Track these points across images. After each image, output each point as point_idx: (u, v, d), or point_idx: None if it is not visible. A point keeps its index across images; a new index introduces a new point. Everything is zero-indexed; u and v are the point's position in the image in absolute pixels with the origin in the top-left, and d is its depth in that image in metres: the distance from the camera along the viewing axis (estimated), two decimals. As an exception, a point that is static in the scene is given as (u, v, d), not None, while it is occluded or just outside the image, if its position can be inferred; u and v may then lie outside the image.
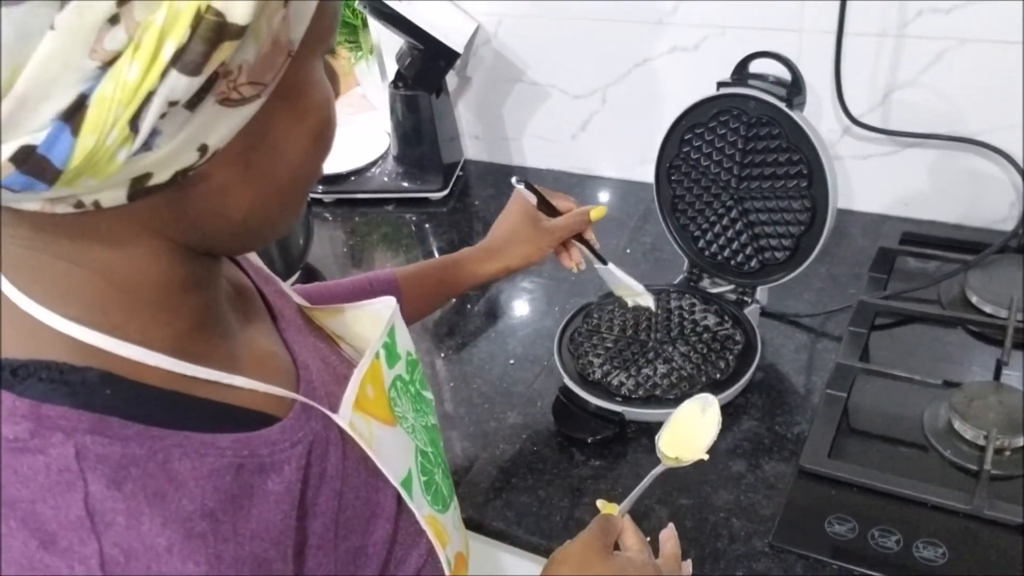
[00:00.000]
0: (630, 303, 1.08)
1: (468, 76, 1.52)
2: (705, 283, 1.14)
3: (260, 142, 0.43)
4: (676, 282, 1.15)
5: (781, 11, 1.18)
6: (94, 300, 0.44)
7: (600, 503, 0.76)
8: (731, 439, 0.96)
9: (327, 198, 1.52)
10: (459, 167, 1.56)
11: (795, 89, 0.97)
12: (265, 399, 0.51)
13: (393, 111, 1.48)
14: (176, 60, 0.35)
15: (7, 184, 0.36)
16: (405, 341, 0.67)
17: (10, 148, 0.35)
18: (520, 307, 1.23)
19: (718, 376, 0.99)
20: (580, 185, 1.48)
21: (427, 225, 1.47)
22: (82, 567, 0.39)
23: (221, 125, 0.40)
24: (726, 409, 0.99)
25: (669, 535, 0.77)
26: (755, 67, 1.02)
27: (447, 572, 0.60)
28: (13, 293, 0.44)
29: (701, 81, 1.06)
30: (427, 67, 1.40)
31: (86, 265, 0.44)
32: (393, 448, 0.59)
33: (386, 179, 1.52)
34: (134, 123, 0.36)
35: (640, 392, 0.99)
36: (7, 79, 0.34)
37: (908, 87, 1.16)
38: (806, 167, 0.98)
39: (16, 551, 0.39)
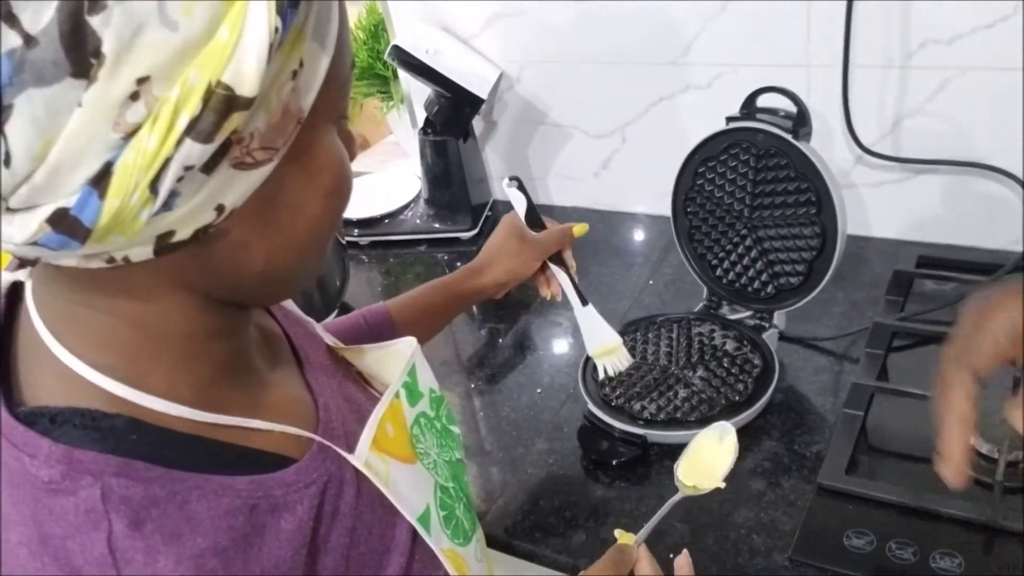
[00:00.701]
0: (601, 366, 1.02)
1: (494, 120, 1.59)
2: (724, 310, 1.18)
3: (275, 201, 0.46)
4: (696, 310, 1.19)
5: (789, 48, 1.23)
6: (124, 350, 0.48)
7: (617, 532, 0.77)
8: (751, 459, 0.99)
9: (362, 241, 1.59)
10: (487, 207, 1.62)
11: (801, 120, 1.02)
12: (283, 441, 0.54)
13: (423, 156, 1.54)
14: (190, 130, 0.39)
15: (44, 243, 0.40)
16: (427, 379, 0.70)
17: (46, 211, 0.39)
18: (547, 340, 1.28)
19: (737, 399, 1.02)
20: (604, 220, 1.53)
21: (458, 263, 1.53)
22: None
23: (236, 187, 0.43)
24: (746, 430, 1.02)
25: (684, 563, 0.78)
26: (762, 101, 1.06)
27: None
28: (53, 344, 0.48)
29: (715, 117, 1.11)
30: (454, 113, 1.47)
31: (118, 316, 0.48)
32: (410, 485, 0.61)
33: (418, 221, 1.59)
34: (154, 186, 0.40)
35: (662, 416, 1.02)
36: (40, 151, 0.38)
37: (916, 115, 1.19)
38: (814, 194, 1.02)
39: None
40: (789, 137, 1.02)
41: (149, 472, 0.46)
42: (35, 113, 0.37)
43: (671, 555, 0.89)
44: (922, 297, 1.19)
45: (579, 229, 1.01)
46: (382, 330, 0.91)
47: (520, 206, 0.99)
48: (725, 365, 1.07)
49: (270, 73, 0.40)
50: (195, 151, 0.39)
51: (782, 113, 1.05)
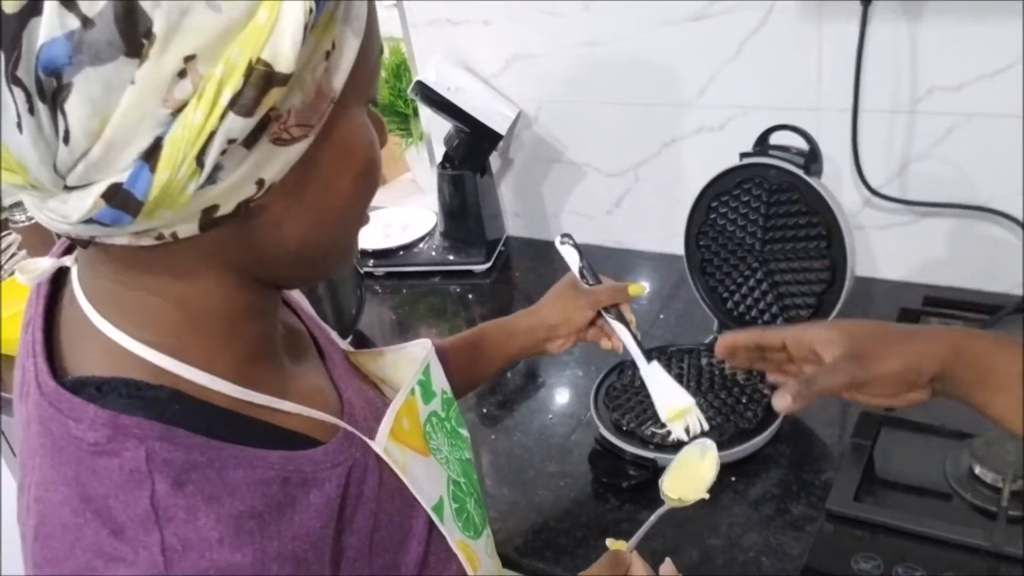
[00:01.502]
0: (678, 429, 0.94)
1: (510, 158, 1.63)
2: (734, 342, 1.20)
3: (311, 178, 0.49)
4: (707, 341, 1.22)
5: (800, 92, 1.27)
6: (168, 327, 0.51)
7: (609, 541, 0.80)
8: (760, 485, 1.01)
9: (378, 271, 1.62)
10: (501, 243, 1.65)
11: (812, 157, 1.06)
12: (311, 425, 0.56)
13: (441, 190, 1.59)
14: (233, 104, 0.41)
15: (99, 218, 0.43)
16: (440, 380, 0.73)
17: (101, 187, 0.42)
18: (559, 369, 1.30)
19: (747, 426, 1.04)
20: (616, 258, 1.56)
21: (470, 296, 1.56)
22: (146, 552, 0.45)
23: (275, 161, 0.46)
24: (755, 457, 1.04)
25: (669, 572, 0.79)
26: (775, 139, 1.10)
27: None
28: (100, 322, 0.51)
29: (727, 158, 1.15)
30: (472, 148, 1.52)
31: (163, 295, 0.50)
32: (425, 476, 0.64)
33: (433, 253, 1.62)
34: (200, 159, 0.42)
35: (672, 440, 1.04)
36: (97, 127, 0.41)
37: (923, 159, 1.23)
38: (825, 228, 1.05)
39: (89, 539, 0.45)
40: (801, 173, 1.05)
41: (190, 439, 0.48)
42: (92, 90, 0.40)
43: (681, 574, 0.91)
44: (928, 336, 1.21)
45: (635, 289, 1.00)
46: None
47: (573, 262, 1.01)
48: (735, 394, 1.09)
49: (305, 52, 0.43)
50: (237, 125, 0.42)
51: (794, 150, 1.09)
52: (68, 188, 0.43)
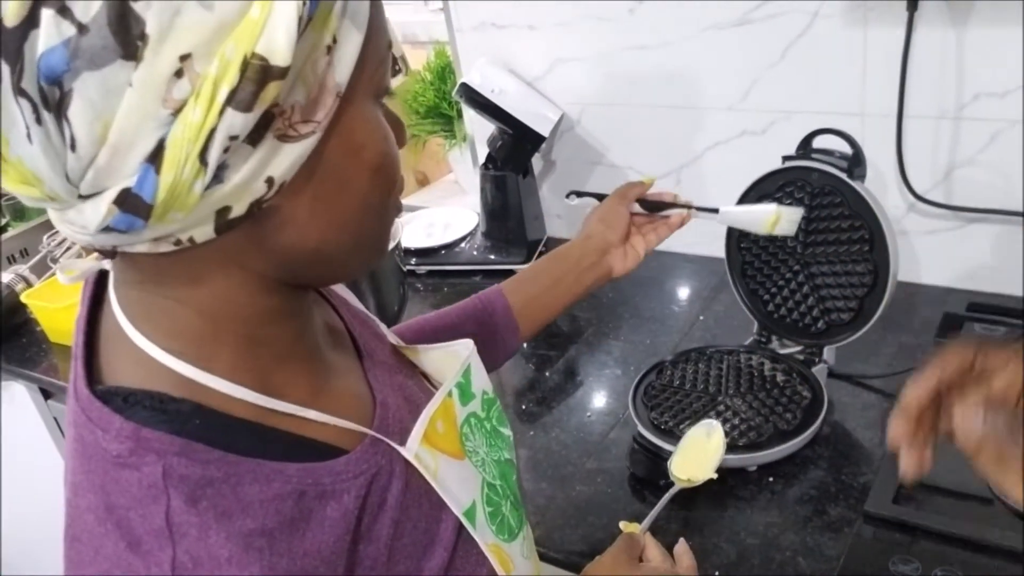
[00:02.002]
0: (783, 232, 0.97)
1: (552, 159, 1.65)
2: (774, 344, 1.20)
3: (323, 176, 0.48)
4: (747, 343, 1.22)
5: (844, 97, 1.27)
6: (192, 335, 0.51)
7: (622, 524, 0.82)
8: (798, 487, 1.01)
9: (420, 269, 1.65)
10: (542, 244, 1.67)
11: (855, 161, 1.06)
12: (338, 432, 0.56)
13: (483, 190, 1.61)
14: (230, 100, 0.41)
15: (114, 225, 0.43)
16: (481, 381, 0.72)
17: (112, 193, 0.43)
18: (598, 368, 1.31)
19: (785, 427, 1.05)
20: (657, 260, 1.56)
21: (511, 295, 1.58)
22: (157, 568, 0.45)
23: (283, 159, 0.45)
24: (793, 459, 1.04)
25: (684, 550, 0.80)
26: (818, 143, 1.11)
27: None
28: (130, 329, 0.51)
29: (769, 162, 1.15)
30: (515, 150, 1.54)
31: (186, 303, 0.51)
32: (458, 480, 0.63)
33: (475, 253, 1.64)
34: (203, 157, 0.42)
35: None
36: (100, 133, 0.41)
37: (968, 165, 1.23)
38: (867, 232, 1.06)
39: (109, 549, 0.47)
40: (844, 176, 1.06)
41: (208, 454, 0.48)
42: (91, 95, 0.40)
43: (716, 573, 0.92)
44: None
45: (647, 180, 1.02)
46: (495, 307, 0.94)
47: (590, 201, 1.04)
48: (774, 395, 1.10)
49: (304, 47, 0.43)
50: (237, 120, 0.42)
51: (837, 154, 1.09)
52: (82, 197, 0.44)
